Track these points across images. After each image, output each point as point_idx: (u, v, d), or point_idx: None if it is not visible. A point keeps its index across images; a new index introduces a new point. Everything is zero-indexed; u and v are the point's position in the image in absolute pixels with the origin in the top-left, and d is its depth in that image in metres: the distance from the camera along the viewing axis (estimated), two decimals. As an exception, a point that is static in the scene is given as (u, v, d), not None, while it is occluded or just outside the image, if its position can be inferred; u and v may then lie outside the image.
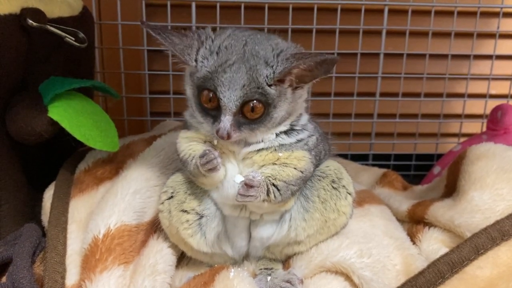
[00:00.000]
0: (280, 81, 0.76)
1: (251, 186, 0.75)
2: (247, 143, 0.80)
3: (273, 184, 0.77)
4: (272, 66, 0.74)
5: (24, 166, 1.03)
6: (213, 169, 0.77)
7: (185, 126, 0.85)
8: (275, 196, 0.77)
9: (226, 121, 0.74)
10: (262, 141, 0.80)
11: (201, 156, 0.77)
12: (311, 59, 0.73)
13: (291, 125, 0.81)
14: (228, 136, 0.74)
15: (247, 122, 0.76)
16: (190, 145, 0.81)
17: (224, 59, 0.75)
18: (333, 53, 1.44)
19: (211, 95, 0.75)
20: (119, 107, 1.48)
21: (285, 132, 0.81)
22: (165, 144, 1.06)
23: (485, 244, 0.78)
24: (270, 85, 0.75)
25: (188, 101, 0.83)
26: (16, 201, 1.02)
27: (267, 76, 0.74)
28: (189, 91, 0.80)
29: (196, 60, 0.76)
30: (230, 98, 0.73)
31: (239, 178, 0.78)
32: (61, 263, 0.87)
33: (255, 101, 0.74)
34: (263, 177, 0.76)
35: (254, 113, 0.75)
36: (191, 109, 0.83)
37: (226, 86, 0.73)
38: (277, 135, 0.80)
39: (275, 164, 0.79)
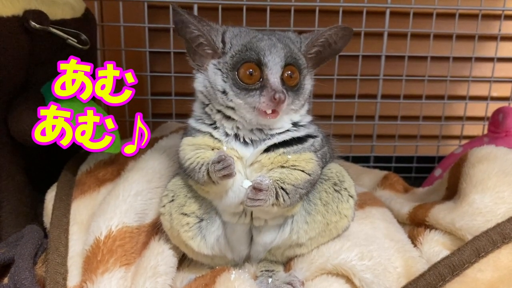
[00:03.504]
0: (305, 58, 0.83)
1: (260, 190, 0.74)
2: (256, 143, 0.80)
3: (282, 188, 0.77)
4: (297, 41, 0.82)
5: (26, 167, 1.04)
6: (229, 175, 0.75)
7: (188, 133, 0.85)
8: (284, 199, 0.77)
9: (277, 83, 0.77)
10: (276, 133, 0.81)
11: (217, 162, 0.75)
12: (335, 29, 0.81)
13: (299, 120, 0.84)
14: (284, 97, 0.76)
15: (288, 89, 0.79)
16: (197, 153, 0.80)
17: (253, 35, 0.80)
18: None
19: (251, 68, 0.77)
20: (120, 109, 1.48)
21: (296, 126, 0.83)
22: (167, 146, 1.06)
23: (486, 247, 0.78)
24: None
25: (214, 99, 0.82)
26: (18, 202, 1.02)
27: (296, 45, 0.81)
28: (219, 80, 0.79)
29: (223, 42, 0.80)
30: (275, 60, 0.77)
31: (247, 183, 0.77)
32: (62, 264, 0.87)
33: (292, 66, 0.79)
34: (271, 181, 0.76)
35: (292, 79, 0.80)
36: (202, 109, 0.84)
37: (268, 50, 0.77)
38: (293, 125, 0.83)
39: (284, 167, 0.79)
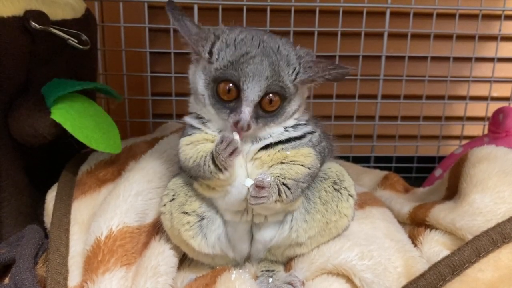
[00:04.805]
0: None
1: (262, 188, 0.75)
2: (256, 140, 0.80)
3: (283, 184, 0.77)
4: (295, 68, 0.78)
5: (27, 167, 1.04)
6: (235, 152, 0.75)
7: (184, 133, 0.85)
8: (286, 195, 0.77)
9: (247, 112, 0.75)
10: (270, 136, 0.81)
11: (219, 143, 0.75)
12: (336, 71, 0.78)
13: (296, 119, 0.83)
14: (248, 127, 0.75)
15: (263, 115, 0.78)
16: (197, 149, 0.80)
17: (244, 50, 0.76)
18: (335, 56, 1.45)
19: (230, 86, 0.76)
20: (121, 109, 1.48)
21: (292, 126, 0.83)
22: (167, 146, 1.06)
23: (486, 246, 0.78)
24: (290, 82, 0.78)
25: (194, 96, 0.83)
26: (19, 202, 1.02)
27: (288, 74, 0.77)
28: (201, 84, 0.80)
29: (210, 53, 0.77)
30: (253, 89, 0.75)
31: (249, 182, 0.77)
32: (63, 264, 0.87)
33: (274, 94, 0.77)
34: (272, 178, 0.77)
35: (271, 105, 0.78)
36: (197, 105, 0.83)
37: (251, 77, 0.75)
38: (285, 129, 0.82)
39: (283, 163, 0.79)
